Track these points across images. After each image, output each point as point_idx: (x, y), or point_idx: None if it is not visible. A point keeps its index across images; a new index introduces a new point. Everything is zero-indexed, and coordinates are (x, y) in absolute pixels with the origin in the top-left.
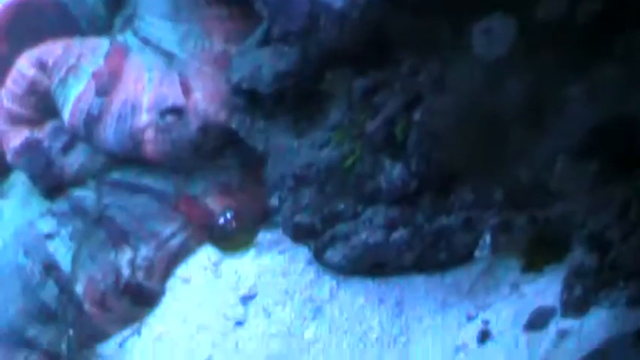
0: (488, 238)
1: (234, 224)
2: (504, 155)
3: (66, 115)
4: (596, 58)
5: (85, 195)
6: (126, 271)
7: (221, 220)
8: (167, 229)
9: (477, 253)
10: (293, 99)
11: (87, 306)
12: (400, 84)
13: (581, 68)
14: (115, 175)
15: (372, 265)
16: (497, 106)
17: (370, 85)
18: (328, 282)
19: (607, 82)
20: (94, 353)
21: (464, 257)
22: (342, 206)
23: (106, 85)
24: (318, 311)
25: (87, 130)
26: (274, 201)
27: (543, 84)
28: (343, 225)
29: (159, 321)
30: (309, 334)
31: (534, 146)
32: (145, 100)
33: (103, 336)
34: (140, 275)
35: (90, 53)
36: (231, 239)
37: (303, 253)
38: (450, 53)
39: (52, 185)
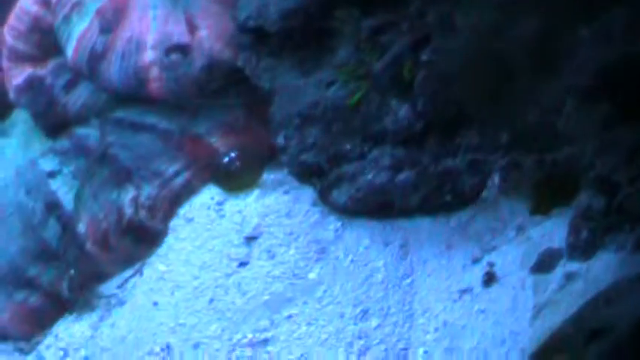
0: (495, 179)
1: (238, 164)
2: (512, 97)
3: (69, 52)
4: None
5: (88, 133)
6: (129, 210)
7: (225, 160)
8: (171, 168)
9: (484, 195)
10: (300, 37)
11: (89, 245)
12: (408, 24)
13: (591, 9)
14: (119, 114)
15: (377, 207)
16: (506, 48)
17: (378, 24)
18: (333, 223)
19: (617, 23)
20: (95, 293)
21: (469, 199)
22: (348, 146)
23: (110, 23)
24: (322, 252)
25: (90, 67)
26: (280, 140)
27: (553, 25)
28: (349, 165)
29: (161, 261)
30: (313, 275)
31: (543, 88)
32: (150, 38)
33: (104, 276)
34: (143, 214)
35: None
36: (236, 179)
37: (308, 193)
38: None
39: (54, 123)
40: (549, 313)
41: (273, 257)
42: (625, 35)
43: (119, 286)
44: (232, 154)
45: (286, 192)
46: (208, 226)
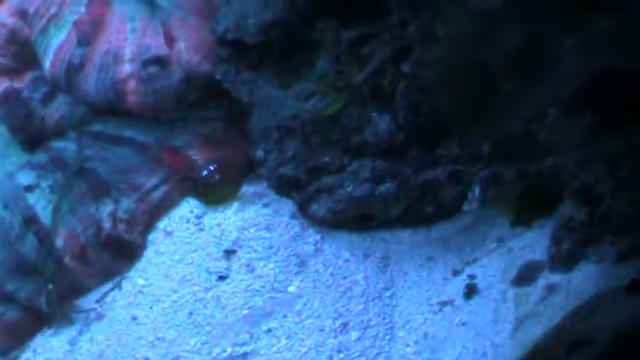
0: (477, 191)
1: (217, 177)
2: (494, 108)
3: (46, 64)
4: (592, 9)
5: (66, 146)
6: (107, 224)
7: (204, 173)
8: (149, 182)
9: (465, 207)
10: (279, 50)
11: (67, 259)
12: (389, 35)
13: (575, 19)
14: (97, 127)
15: (357, 219)
16: (488, 58)
17: (358, 35)
18: (313, 236)
19: (601, 33)
20: (73, 307)
21: (451, 211)
22: (327, 158)
23: (87, 35)
24: (302, 265)
25: (68, 80)
26: (259, 153)
27: (536, 35)
28: (329, 177)
29: (140, 275)
30: (292, 288)
31: (526, 99)
32: (127, 51)
33: (83, 290)
34: (121, 228)
35: (71, 2)
36: (215, 192)
37: (288, 206)
38: (441, 4)
39: (31, 137)
40: (530, 326)
41: (252, 271)
42: (609, 45)
43: (98, 301)
44: (211, 167)
45: (265, 205)
46: (187, 240)
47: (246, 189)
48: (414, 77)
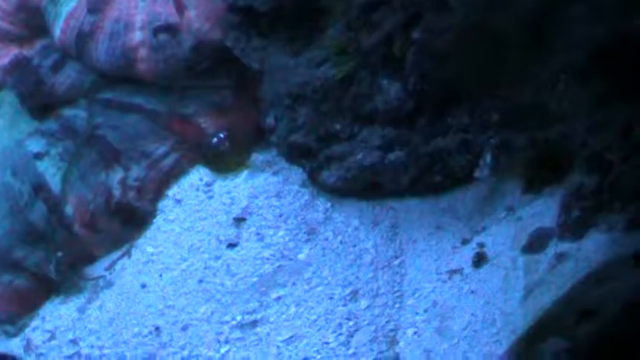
0: (486, 159)
1: (227, 144)
2: (504, 75)
3: (56, 32)
4: None
5: (76, 114)
6: (117, 192)
7: (214, 140)
8: (159, 149)
9: (474, 175)
10: (290, 16)
11: (76, 227)
12: (400, 2)
13: None
14: (107, 94)
15: (367, 187)
16: (499, 25)
17: (369, 2)
18: (322, 204)
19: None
20: (82, 275)
21: (460, 179)
22: (338, 126)
23: (98, 3)
24: (311, 233)
25: (78, 47)
26: (270, 120)
27: (547, 1)
28: (339, 145)
29: (150, 242)
30: (302, 256)
31: (535, 66)
32: (138, 18)
33: (92, 258)
34: (131, 195)
35: None
36: (224, 160)
37: (298, 174)
38: None
39: (41, 104)
40: (540, 294)
41: (262, 239)
42: (619, 11)
43: (107, 268)
44: (221, 135)
45: (275, 173)
46: (197, 208)
47: (256, 157)
48: (424, 44)
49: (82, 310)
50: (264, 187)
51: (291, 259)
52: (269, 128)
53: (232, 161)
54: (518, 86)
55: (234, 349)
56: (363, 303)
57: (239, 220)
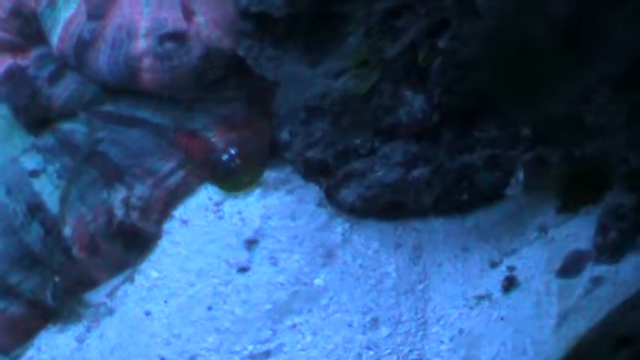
0: (517, 176)
1: (238, 161)
2: (537, 86)
3: (54, 40)
4: None
5: (75, 128)
6: (119, 212)
7: (224, 157)
8: (165, 166)
9: (503, 193)
10: (307, 23)
11: (75, 250)
12: (425, 7)
13: None
14: (108, 107)
15: (388, 206)
16: (531, 32)
17: (392, 7)
18: (340, 225)
19: None
20: (82, 302)
21: (488, 198)
22: (357, 141)
23: (99, 8)
24: (329, 257)
25: (77, 57)
26: (284, 135)
27: (584, 7)
28: (358, 162)
29: (154, 267)
30: (319, 281)
31: (571, 76)
32: (142, 25)
33: (92, 283)
34: (135, 216)
35: None
36: (235, 177)
37: (314, 192)
38: None
39: (37, 118)
40: (575, 320)
41: (275, 263)
42: None
43: (108, 294)
44: (232, 151)
45: (290, 191)
46: (205, 229)
47: (269, 174)
48: (450, 53)
49: (80, 340)
50: (277, 207)
51: (306, 284)
52: (283, 143)
53: (243, 179)
54: (552, 98)
55: None
56: (384, 331)
57: (251, 243)
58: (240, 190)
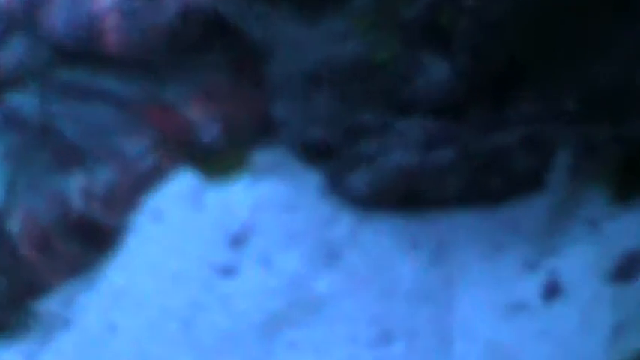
0: (559, 159)
1: (221, 141)
2: (582, 50)
3: None
4: None
5: (24, 101)
6: (77, 202)
7: (205, 136)
8: (133, 147)
9: (543, 180)
10: None
11: (24, 249)
12: None
13: None
14: (65, 76)
15: (404, 196)
16: None
17: None
18: (347, 219)
19: None
20: (32, 312)
21: (524, 186)
22: (367, 117)
23: None
24: (332, 257)
25: (28, 15)
26: (278, 110)
27: None
28: (369, 142)
29: (120, 270)
30: (320, 286)
31: (622, 37)
32: None
33: (44, 289)
34: (96, 208)
35: None
36: (219, 161)
37: (314, 180)
38: None
39: None
40: (629, 332)
41: (268, 264)
42: None
43: (64, 303)
44: (214, 129)
45: (285, 178)
46: (183, 224)
47: (260, 157)
48: (478, 12)
49: (31, 357)
50: (270, 197)
51: (305, 291)
52: (277, 120)
53: (229, 163)
54: (601, 62)
55: None
56: (398, 347)
57: (237, 240)
58: (225, 176)
